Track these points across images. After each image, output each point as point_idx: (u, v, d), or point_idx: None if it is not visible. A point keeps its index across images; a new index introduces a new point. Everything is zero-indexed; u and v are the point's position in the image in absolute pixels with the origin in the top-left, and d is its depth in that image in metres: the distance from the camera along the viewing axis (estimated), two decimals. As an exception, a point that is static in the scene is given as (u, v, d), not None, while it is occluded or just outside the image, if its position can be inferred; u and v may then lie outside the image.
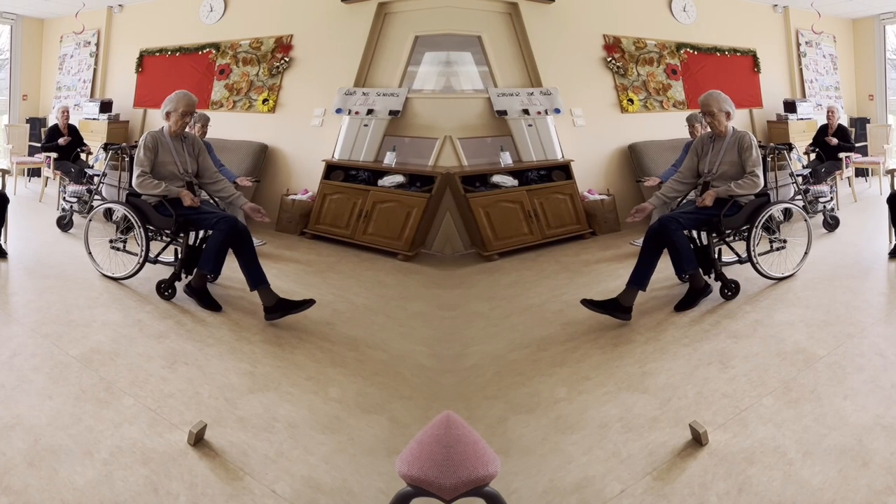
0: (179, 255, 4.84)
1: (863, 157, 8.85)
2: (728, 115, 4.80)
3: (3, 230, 5.74)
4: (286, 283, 5.22)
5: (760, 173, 4.76)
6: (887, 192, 6.24)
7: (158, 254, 5.00)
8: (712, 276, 4.73)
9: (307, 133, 7.34)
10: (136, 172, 4.68)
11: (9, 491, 2.35)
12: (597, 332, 4.26)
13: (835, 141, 7.46)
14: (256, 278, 4.40)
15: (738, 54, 8.32)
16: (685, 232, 4.64)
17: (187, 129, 5.04)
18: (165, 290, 4.73)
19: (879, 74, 10.06)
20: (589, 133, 7.35)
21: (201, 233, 4.87)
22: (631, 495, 2.41)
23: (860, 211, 7.62)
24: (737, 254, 5.00)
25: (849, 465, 2.50)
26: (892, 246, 5.54)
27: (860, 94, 10.27)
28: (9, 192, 6.81)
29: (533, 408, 3.26)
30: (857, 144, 8.52)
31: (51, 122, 10.34)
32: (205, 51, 8.14)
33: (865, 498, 2.30)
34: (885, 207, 5.57)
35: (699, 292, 4.60)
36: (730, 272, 4.79)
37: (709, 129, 4.99)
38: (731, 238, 4.96)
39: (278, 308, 4.31)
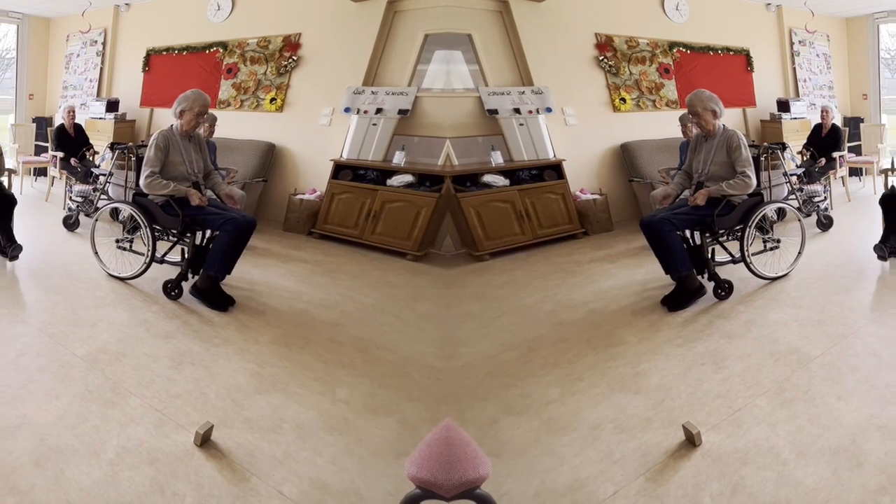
0: (186, 255, 4.82)
1: (857, 157, 8.96)
2: (714, 113, 4.79)
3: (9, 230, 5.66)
4: (293, 282, 5.28)
5: (752, 173, 4.75)
6: (881, 191, 6.27)
7: (165, 254, 5.00)
8: (706, 276, 4.72)
9: (315, 132, 7.37)
10: (144, 172, 4.66)
11: (15, 491, 2.35)
12: (589, 332, 4.28)
13: (823, 161, 7.42)
14: (220, 265, 4.50)
15: (731, 53, 8.38)
16: (678, 232, 4.66)
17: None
18: (172, 290, 4.71)
19: (873, 73, 10.10)
20: (581, 132, 7.37)
21: (208, 232, 4.86)
22: (624, 496, 2.41)
23: (854, 210, 7.67)
24: (730, 254, 5.01)
25: (843, 466, 2.50)
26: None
27: (854, 93, 10.29)
28: (15, 191, 6.82)
29: (525, 409, 3.25)
30: (851, 144, 8.58)
31: (57, 121, 10.36)
32: (212, 49, 8.20)
33: (859, 498, 2.30)
34: (879, 207, 5.55)
35: (693, 293, 4.60)
36: (723, 272, 4.78)
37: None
38: (725, 238, 4.96)
39: (205, 294, 4.46)
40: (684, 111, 6.17)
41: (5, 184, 5.71)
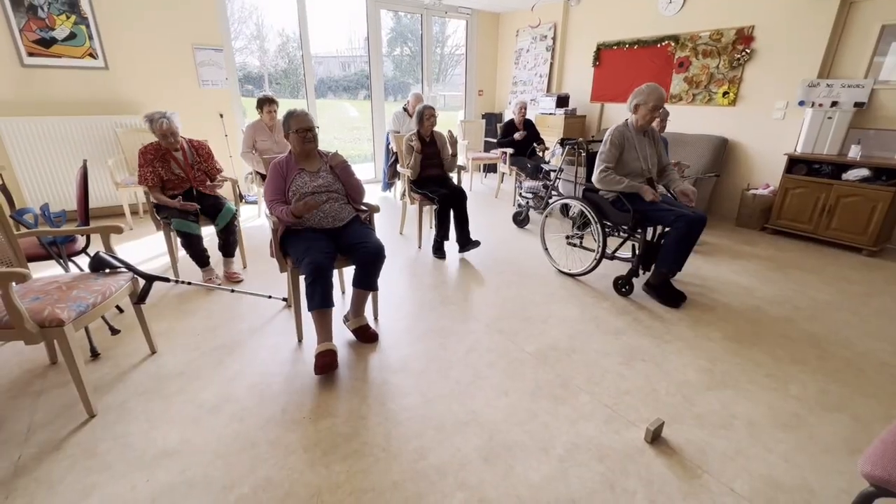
0: (637, 252, 5.02)
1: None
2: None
3: (466, 226, 6.08)
4: (745, 278, 5.46)
5: None
6: None
7: (615, 250, 5.23)
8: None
9: (769, 126, 7.48)
10: (599, 168, 4.86)
11: (464, 486, 2.63)
12: None
13: None
14: (672, 261, 4.58)
15: None
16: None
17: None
18: (623, 286, 4.98)
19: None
20: None
21: (659, 229, 5.06)
22: None
23: None
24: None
25: None
26: None
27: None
28: (465, 186, 7.23)
29: None
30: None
31: (506, 117, 11.27)
32: (664, 43, 8.53)
33: None
34: None
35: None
36: None
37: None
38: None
39: (658, 290, 4.61)
40: None
41: (455, 179, 6.16)
